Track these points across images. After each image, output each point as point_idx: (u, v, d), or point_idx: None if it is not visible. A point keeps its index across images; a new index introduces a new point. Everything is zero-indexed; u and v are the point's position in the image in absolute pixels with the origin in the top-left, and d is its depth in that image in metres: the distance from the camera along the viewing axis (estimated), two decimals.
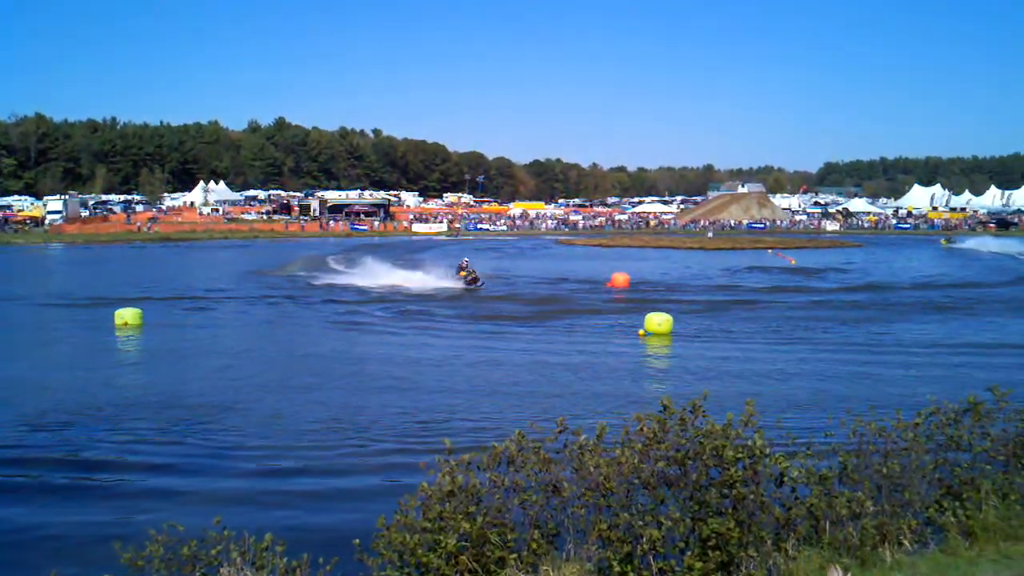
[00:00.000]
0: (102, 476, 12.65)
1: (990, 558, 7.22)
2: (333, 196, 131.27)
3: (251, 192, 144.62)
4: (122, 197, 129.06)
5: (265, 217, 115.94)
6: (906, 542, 7.45)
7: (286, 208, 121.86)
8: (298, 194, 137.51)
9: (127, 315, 27.35)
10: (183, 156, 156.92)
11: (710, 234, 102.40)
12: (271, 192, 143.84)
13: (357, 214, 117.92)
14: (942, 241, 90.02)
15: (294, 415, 16.08)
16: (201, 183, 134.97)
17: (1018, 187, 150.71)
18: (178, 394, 17.79)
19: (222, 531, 6.40)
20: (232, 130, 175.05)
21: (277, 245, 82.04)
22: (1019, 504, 7.90)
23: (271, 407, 16.72)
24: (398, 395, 17.71)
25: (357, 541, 6.81)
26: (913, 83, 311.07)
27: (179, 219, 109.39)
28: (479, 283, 40.23)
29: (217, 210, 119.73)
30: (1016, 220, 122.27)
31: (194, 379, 19.63)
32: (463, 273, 40.70)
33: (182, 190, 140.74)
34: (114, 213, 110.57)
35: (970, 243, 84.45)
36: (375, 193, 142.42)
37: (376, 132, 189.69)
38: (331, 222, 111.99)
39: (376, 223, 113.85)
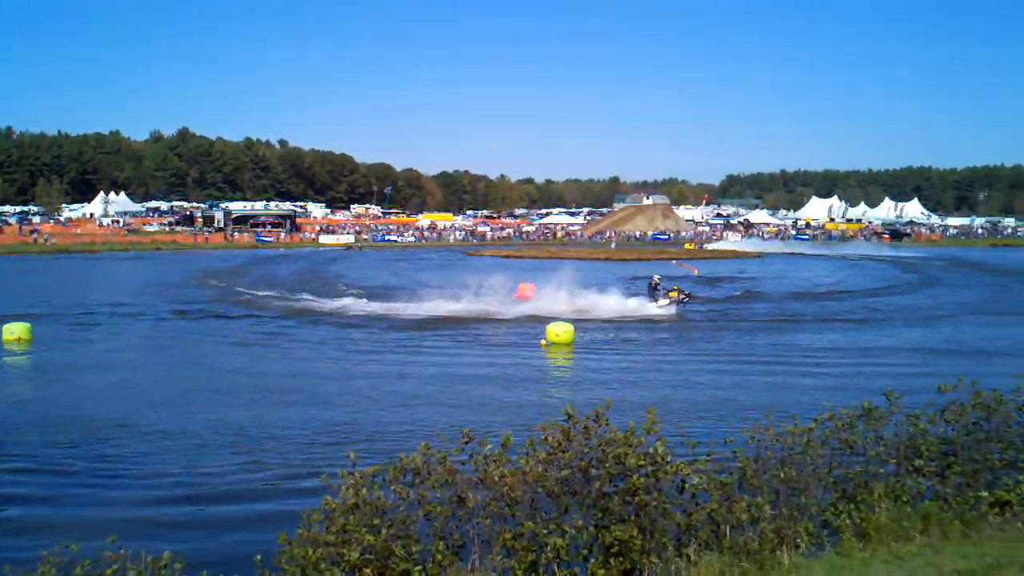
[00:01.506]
0: None
1: (882, 559, 7.43)
2: (238, 207, 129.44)
3: (153, 203, 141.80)
4: (17, 208, 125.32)
5: (168, 229, 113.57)
6: (803, 545, 7.63)
7: (189, 219, 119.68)
8: (202, 205, 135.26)
9: (17, 330, 26.38)
10: (82, 166, 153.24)
11: (613, 245, 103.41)
12: (174, 203, 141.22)
13: (263, 225, 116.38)
14: (687, 246, 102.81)
15: (194, 433, 15.76)
16: (101, 194, 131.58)
17: (911, 199, 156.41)
18: (69, 413, 17.18)
19: (118, 550, 6.22)
20: (134, 140, 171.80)
21: (181, 257, 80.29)
22: (909, 505, 8.16)
23: (173, 425, 16.36)
24: (301, 409, 17.46)
25: (259, 557, 6.72)
26: (811, 98, 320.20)
27: (78, 231, 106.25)
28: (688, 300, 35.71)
29: (118, 221, 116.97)
30: (908, 231, 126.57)
31: (88, 396, 19.06)
32: (674, 293, 35.04)
33: (81, 201, 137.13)
34: (9, 224, 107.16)
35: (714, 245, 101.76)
36: (281, 204, 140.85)
37: (282, 143, 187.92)
38: (236, 233, 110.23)
39: (282, 235, 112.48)
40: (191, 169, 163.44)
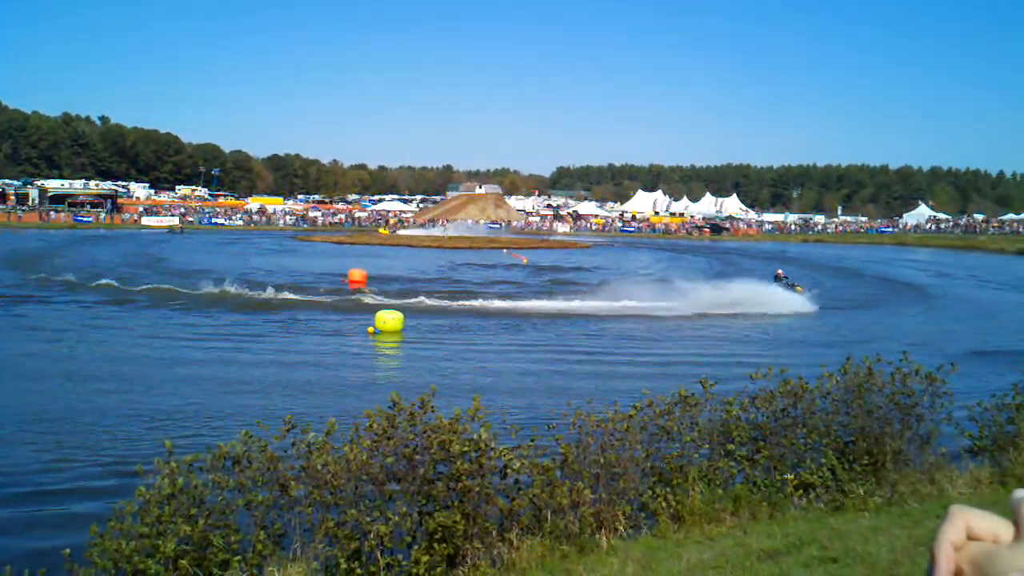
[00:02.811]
0: None
1: (695, 540, 7.74)
2: (55, 185, 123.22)
3: None
4: None
5: None
6: (621, 527, 7.87)
7: (1, 197, 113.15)
8: (15, 182, 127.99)
9: None
10: None
11: (448, 232, 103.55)
12: None
13: (82, 205, 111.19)
14: (381, 230, 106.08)
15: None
16: None
17: (730, 195, 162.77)
18: None
19: None
20: None
21: None
22: (722, 488, 8.54)
23: None
24: (117, 398, 16.77)
25: (67, 551, 6.45)
26: (638, 94, 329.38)
27: None
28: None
29: None
30: (727, 226, 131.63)
31: None
32: (799, 288, 34.82)
33: None
34: None
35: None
36: (101, 183, 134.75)
37: (104, 119, 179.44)
38: (52, 213, 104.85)
39: (103, 215, 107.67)
40: (3, 144, 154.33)
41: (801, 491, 8.82)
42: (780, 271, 37.26)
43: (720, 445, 8.94)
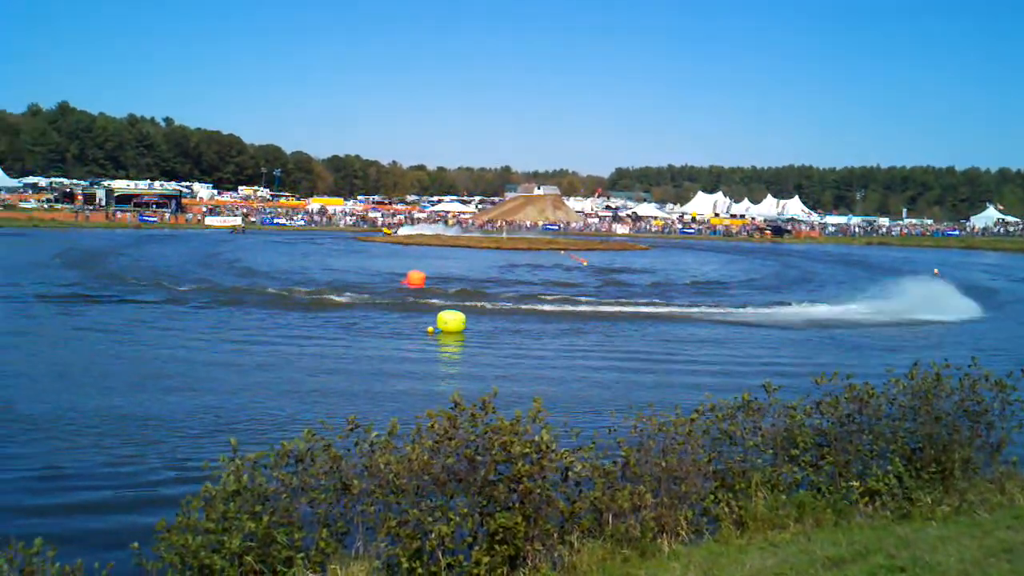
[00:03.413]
0: None
1: (758, 546, 7.65)
2: (121, 186, 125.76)
3: (31, 179, 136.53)
4: None
5: (47, 206, 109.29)
6: (683, 532, 7.81)
7: (69, 197, 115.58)
8: (83, 182, 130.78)
9: None
10: None
11: (504, 234, 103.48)
12: (53, 180, 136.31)
13: (147, 205, 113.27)
14: (385, 230, 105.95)
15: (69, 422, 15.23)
16: None
17: (791, 197, 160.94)
18: None
19: None
20: (10, 113, 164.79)
21: (60, 235, 77.27)
22: (785, 494, 8.42)
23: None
24: (185, 396, 17.01)
25: (136, 544, 6.56)
26: (698, 95, 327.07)
27: None
28: None
29: None
30: (789, 227, 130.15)
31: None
32: None
33: None
34: None
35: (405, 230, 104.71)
36: (166, 184, 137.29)
37: (168, 121, 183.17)
38: (118, 213, 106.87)
39: (167, 215, 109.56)
40: (71, 145, 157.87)
41: (867, 498, 8.67)
42: (936, 270, 36.38)
43: (784, 450, 8.81)
